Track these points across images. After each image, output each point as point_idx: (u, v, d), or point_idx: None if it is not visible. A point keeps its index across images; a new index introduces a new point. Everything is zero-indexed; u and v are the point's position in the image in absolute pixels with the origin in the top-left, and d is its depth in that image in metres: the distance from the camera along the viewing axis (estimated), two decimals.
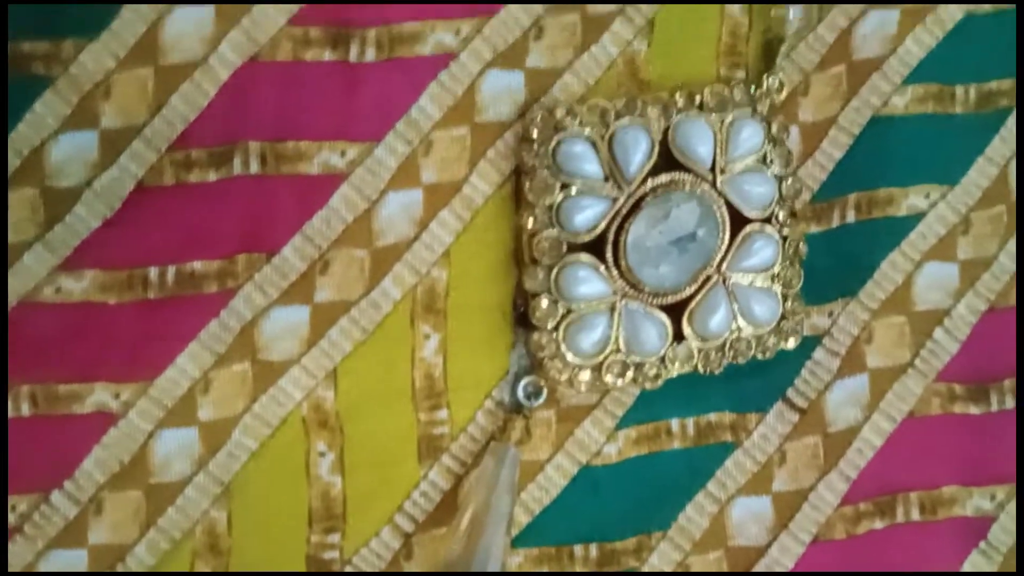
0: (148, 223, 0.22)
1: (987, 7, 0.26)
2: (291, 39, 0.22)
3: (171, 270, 0.22)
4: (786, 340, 0.24)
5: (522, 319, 0.23)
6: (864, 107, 0.25)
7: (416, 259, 0.23)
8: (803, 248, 0.24)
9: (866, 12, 0.25)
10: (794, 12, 0.24)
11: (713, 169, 0.23)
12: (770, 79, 0.24)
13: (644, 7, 0.24)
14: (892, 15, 0.25)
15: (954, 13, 0.26)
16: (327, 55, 0.22)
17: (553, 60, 0.24)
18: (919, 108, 0.25)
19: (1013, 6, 0.26)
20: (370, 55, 0.23)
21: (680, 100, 0.23)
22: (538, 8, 0.23)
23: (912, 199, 0.26)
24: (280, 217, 0.23)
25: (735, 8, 0.24)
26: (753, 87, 0.24)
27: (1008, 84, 0.26)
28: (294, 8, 0.22)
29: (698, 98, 0.24)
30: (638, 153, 0.23)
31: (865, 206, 0.25)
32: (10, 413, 0.21)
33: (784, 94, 0.25)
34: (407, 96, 0.23)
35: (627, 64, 0.24)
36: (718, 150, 0.23)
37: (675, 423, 0.25)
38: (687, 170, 0.23)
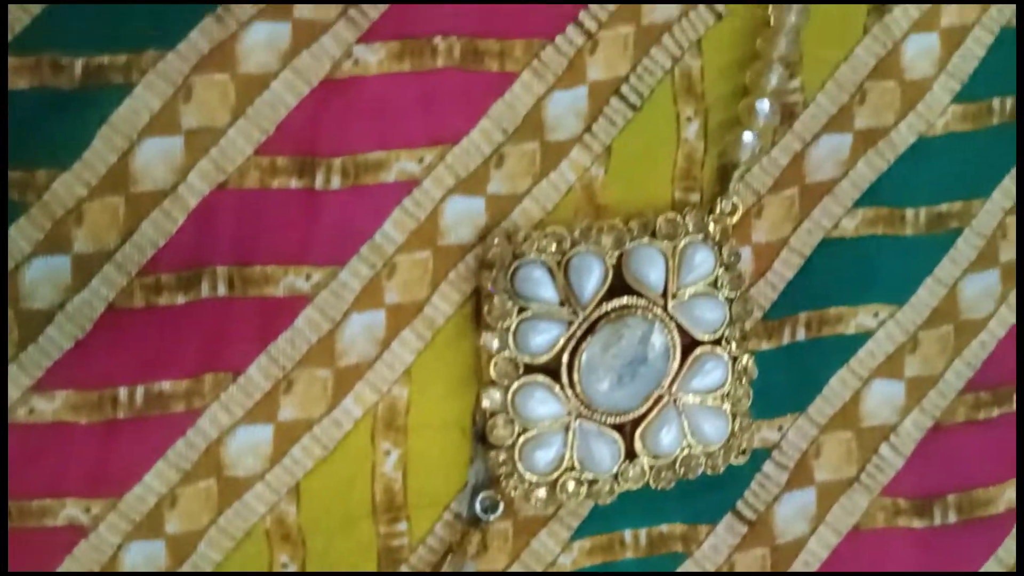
0: (118, 344, 0.24)
1: (939, 128, 0.27)
2: (258, 168, 0.24)
3: (140, 390, 0.24)
4: (735, 457, 0.26)
5: (481, 435, 0.25)
6: (816, 229, 0.27)
7: (377, 378, 0.25)
8: (752, 368, 0.26)
9: (819, 136, 0.27)
10: (750, 137, 0.26)
11: (665, 294, 0.25)
12: (724, 203, 0.26)
13: (601, 135, 0.25)
14: (845, 139, 0.27)
15: (906, 136, 0.27)
16: (293, 183, 0.24)
17: (513, 186, 0.25)
18: (869, 230, 0.27)
19: (964, 129, 0.27)
20: (335, 183, 0.24)
21: (634, 228, 0.25)
22: (499, 136, 0.25)
23: (861, 318, 0.27)
24: (246, 338, 0.24)
25: (691, 133, 0.26)
26: (707, 211, 0.26)
27: (959, 206, 0.28)
28: (261, 138, 0.24)
29: (651, 225, 0.25)
30: (592, 279, 0.25)
31: (815, 324, 0.27)
32: None
33: (737, 217, 0.26)
34: (371, 221, 0.25)
35: (585, 189, 0.26)
36: (670, 276, 0.25)
37: (628, 534, 0.26)
38: (640, 295, 0.25)
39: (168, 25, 0.24)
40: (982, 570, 0.29)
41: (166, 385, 0.24)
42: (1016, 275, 0.28)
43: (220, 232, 0.24)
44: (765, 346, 0.27)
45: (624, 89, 0.26)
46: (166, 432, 0.24)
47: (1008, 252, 0.28)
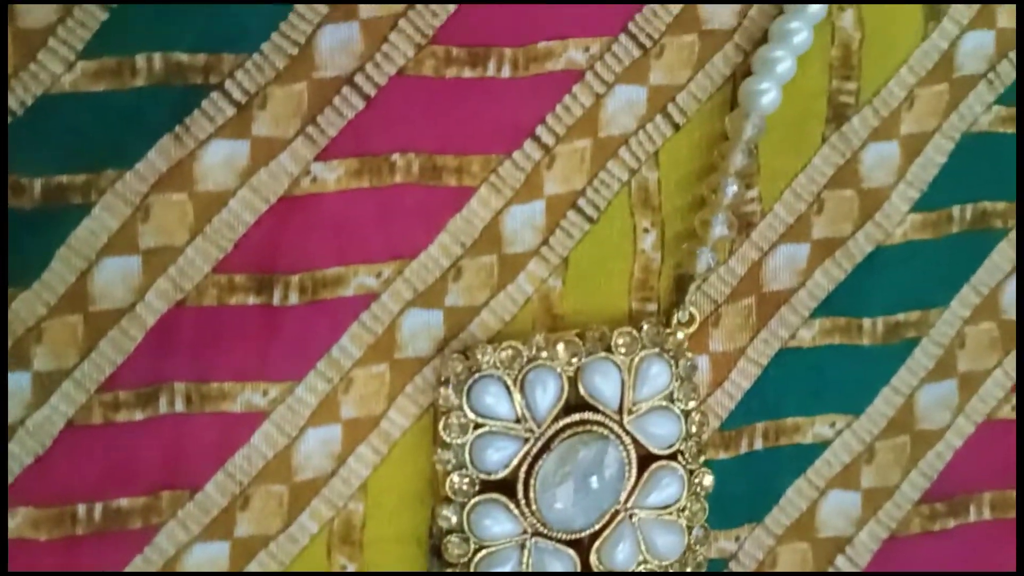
0: (77, 461, 0.25)
1: (897, 237, 0.29)
2: (216, 285, 0.25)
3: (98, 507, 0.25)
4: (692, 570, 0.27)
5: (436, 550, 0.27)
6: (773, 339, 0.29)
7: (333, 493, 0.26)
8: (708, 482, 0.27)
9: (777, 245, 0.28)
10: (705, 252, 0.27)
11: (620, 410, 0.27)
12: (680, 313, 0.28)
13: (558, 248, 0.27)
14: (803, 248, 0.29)
15: (864, 246, 0.29)
16: (251, 299, 0.26)
17: (471, 299, 0.27)
18: (826, 340, 0.29)
19: (923, 238, 0.29)
20: (293, 299, 0.26)
21: (589, 342, 0.26)
22: (457, 249, 0.26)
23: (818, 428, 0.29)
24: (203, 454, 0.26)
25: (647, 244, 0.28)
26: (663, 323, 0.27)
27: (916, 316, 0.29)
28: (219, 256, 0.25)
29: (607, 339, 0.27)
30: (547, 396, 0.26)
31: (773, 434, 0.29)
32: None
33: (694, 327, 0.28)
34: (329, 336, 0.26)
35: (542, 301, 0.27)
36: (625, 391, 0.27)
37: None
38: (596, 410, 0.26)
39: (126, 145, 0.25)
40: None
41: (124, 502, 0.25)
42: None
43: (178, 349, 0.26)
44: (722, 456, 0.29)
45: (581, 202, 0.27)
46: (124, 549, 0.25)
47: (966, 362, 0.30)
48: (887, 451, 0.30)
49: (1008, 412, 0.31)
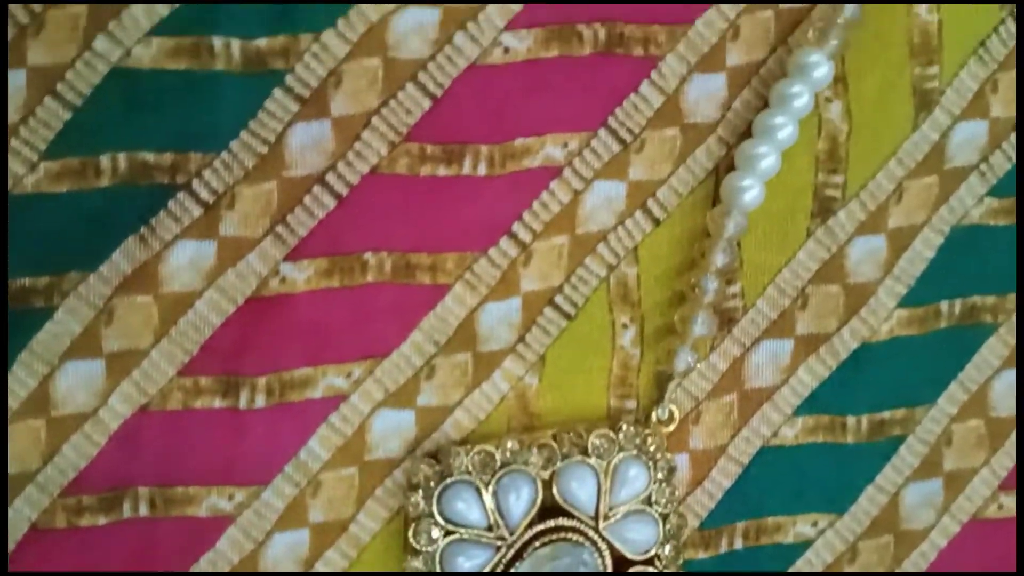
0: (41, 565, 0.25)
1: (883, 333, 0.28)
2: (181, 389, 0.25)
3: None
4: None
5: None
6: (754, 437, 0.28)
7: None
8: None
9: (759, 341, 0.28)
10: (685, 351, 0.26)
11: (597, 515, 0.26)
12: (660, 411, 0.27)
13: (535, 345, 0.26)
14: (786, 345, 0.28)
15: (849, 343, 0.28)
16: (217, 403, 0.25)
17: (444, 398, 0.26)
18: (809, 438, 0.28)
19: (910, 334, 0.28)
20: (260, 401, 0.25)
21: (565, 445, 0.26)
22: (430, 348, 0.26)
23: (800, 527, 0.28)
24: (168, 559, 0.25)
25: (626, 340, 0.27)
26: (642, 423, 0.27)
27: (902, 413, 0.29)
28: (185, 359, 0.25)
29: (583, 442, 0.26)
30: (521, 503, 0.26)
31: (753, 533, 0.28)
32: None
33: (674, 425, 0.27)
34: (296, 439, 0.26)
35: (518, 399, 0.27)
36: (602, 496, 0.26)
37: None
38: (571, 515, 0.26)
39: (90, 246, 0.25)
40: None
41: None
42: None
43: (142, 453, 0.25)
44: (701, 555, 0.28)
45: (558, 299, 0.27)
46: None
47: (952, 461, 0.29)
48: (871, 551, 0.29)
49: (995, 511, 0.30)
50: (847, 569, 0.29)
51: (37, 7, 0.24)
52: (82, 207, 0.24)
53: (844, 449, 0.29)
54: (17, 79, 0.24)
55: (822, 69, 0.27)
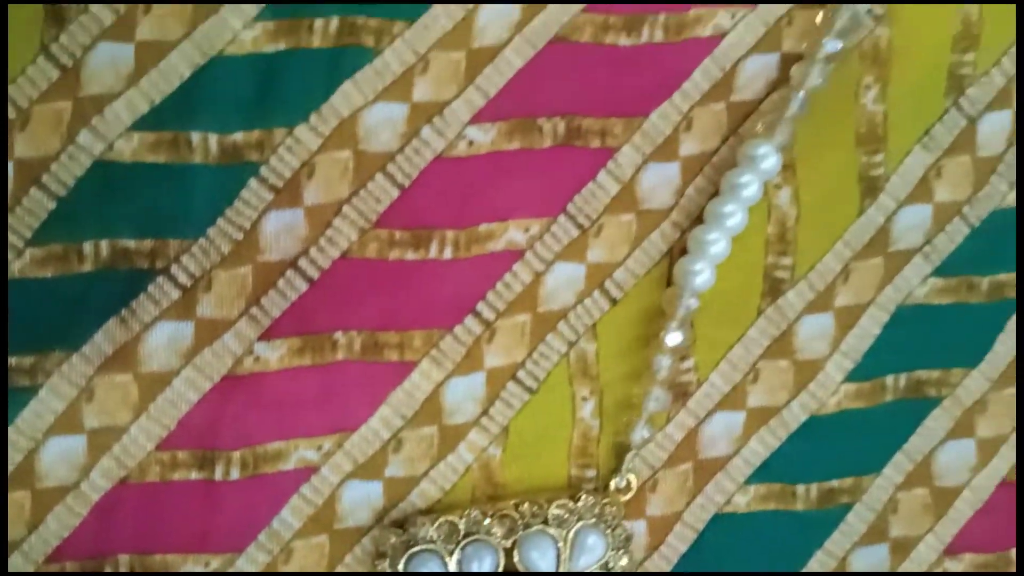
0: None
1: (831, 406, 0.29)
2: (159, 463, 0.26)
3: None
4: None
5: None
6: (708, 504, 0.29)
7: None
8: None
9: (713, 413, 0.29)
10: (642, 425, 0.28)
11: None
12: (618, 480, 0.28)
13: (499, 417, 0.27)
14: (739, 417, 0.29)
15: (798, 415, 0.30)
16: (193, 475, 0.26)
17: (411, 469, 0.28)
18: (760, 506, 0.29)
19: (857, 407, 0.29)
20: (235, 474, 0.26)
21: (526, 515, 0.27)
22: (398, 421, 0.27)
23: None
24: None
25: (586, 413, 0.28)
26: (601, 492, 0.28)
27: (849, 482, 0.30)
28: (162, 434, 0.26)
29: (544, 512, 0.27)
30: (483, 571, 0.27)
31: None
32: None
33: (632, 494, 0.28)
34: (269, 509, 0.27)
35: (482, 469, 0.28)
36: (561, 564, 0.27)
37: None
38: None
39: (73, 328, 0.26)
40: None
41: None
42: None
43: (122, 524, 0.26)
44: None
45: (521, 374, 0.28)
46: None
47: (898, 528, 0.30)
48: None
49: None
50: None
51: (23, 103, 0.25)
52: (66, 291, 0.26)
53: (794, 516, 0.30)
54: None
55: (770, 160, 0.28)
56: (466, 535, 0.27)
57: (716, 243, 0.28)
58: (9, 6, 0.25)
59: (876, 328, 0.30)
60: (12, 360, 0.26)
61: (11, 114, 0.25)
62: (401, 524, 0.28)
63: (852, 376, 0.30)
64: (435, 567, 0.27)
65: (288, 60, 0.26)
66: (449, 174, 0.27)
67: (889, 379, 0.30)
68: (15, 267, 0.26)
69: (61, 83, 0.25)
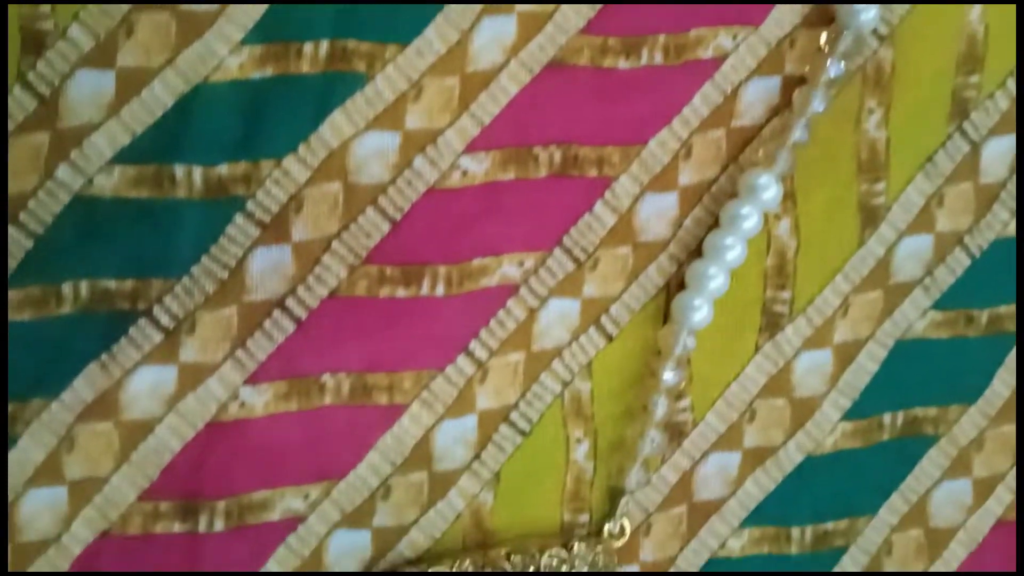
0: None
1: (827, 446, 0.35)
2: (141, 513, 0.30)
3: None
4: None
5: None
6: (702, 548, 0.34)
7: None
8: None
9: (708, 454, 0.34)
10: (636, 469, 0.33)
11: None
12: (611, 525, 0.33)
13: (490, 462, 0.32)
14: (734, 457, 0.34)
15: (794, 455, 0.35)
16: (176, 527, 0.31)
17: (400, 518, 0.32)
18: (755, 549, 0.35)
19: (853, 447, 0.35)
20: (218, 525, 0.31)
21: (517, 567, 0.32)
22: (387, 468, 0.32)
23: None
24: None
25: (580, 455, 0.33)
26: (594, 538, 0.33)
27: (845, 524, 0.35)
28: (145, 484, 0.30)
29: (536, 561, 0.32)
30: None
31: None
32: None
33: (625, 539, 0.33)
34: (254, 561, 0.31)
35: (473, 516, 0.33)
36: None
37: None
38: None
39: (52, 374, 0.30)
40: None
41: None
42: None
43: None
44: None
45: (514, 416, 0.33)
46: None
47: (892, 570, 0.36)
48: None
49: None
50: None
51: None
52: (44, 335, 0.29)
53: (788, 560, 0.35)
54: None
55: (771, 191, 0.33)
56: None
57: (715, 278, 0.33)
58: None
59: (874, 365, 0.36)
60: None
61: None
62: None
63: (849, 414, 0.35)
64: None
65: (276, 88, 0.30)
66: (442, 206, 0.32)
67: (886, 417, 0.36)
68: None
69: (39, 113, 0.29)
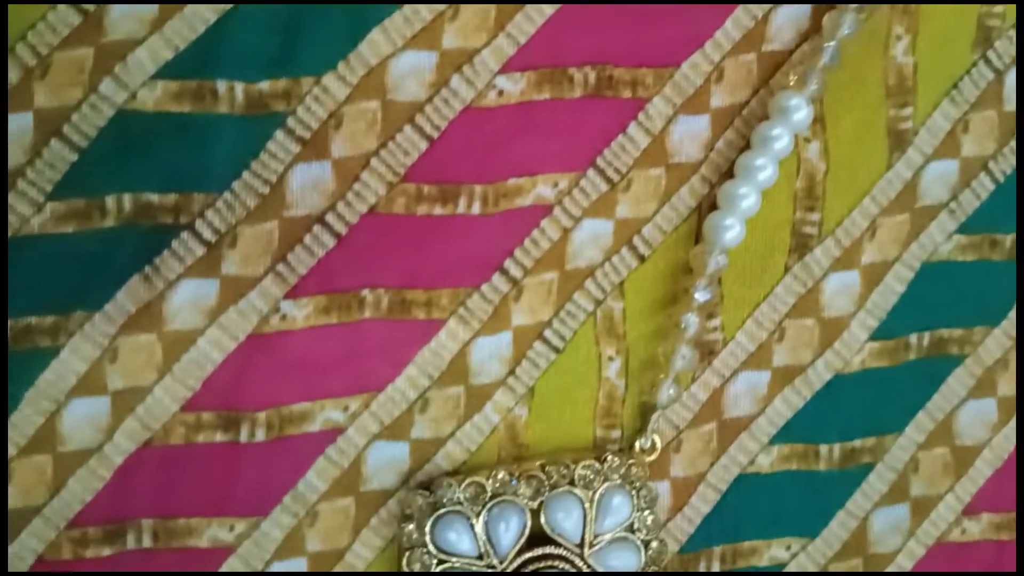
0: None
1: (855, 365, 0.35)
2: (184, 424, 0.31)
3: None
4: None
5: None
6: (732, 464, 0.35)
7: None
8: None
9: (738, 373, 0.35)
10: (668, 385, 0.33)
11: (582, 543, 0.33)
12: (643, 441, 0.34)
13: (525, 377, 0.33)
14: (763, 376, 0.35)
15: (822, 374, 0.35)
16: (218, 437, 0.31)
17: (437, 430, 0.33)
18: (784, 466, 0.35)
19: (880, 366, 0.35)
20: (260, 435, 0.31)
21: (553, 476, 0.33)
22: (424, 382, 0.32)
23: (774, 551, 0.35)
24: None
25: (612, 372, 0.34)
26: (626, 453, 0.33)
27: (872, 442, 0.36)
28: (187, 395, 0.31)
29: (570, 473, 0.33)
30: (510, 533, 0.32)
31: (730, 557, 0.35)
32: None
33: (656, 455, 0.34)
34: (294, 471, 0.32)
35: (508, 430, 0.33)
36: (587, 525, 0.33)
37: None
38: (557, 544, 0.32)
39: (95, 286, 0.30)
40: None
41: None
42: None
43: (145, 487, 0.31)
44: None
45: (547, 333, 0.33)
46: None
47: (919, 487, 0.36)
48: None
49: (959, 535, 0.37)
50: None
51: (44, 50, 0.30)
52: (87, 247, 0.30)
53: (817, 476, 0.36)
54: (24, 121, 0.29)
55: (802, 112, 0.34)
56: (493, 496, 0.33)
57: (746, 198, 0.34)
58: None
59: (901, 286, 0.36)
60: (32, 320, 0.30)
61: (31, 62, 0.29)
62: (427, 486, 0.33)
63: (876, 334, 0.36)
64: (462, 529, 0.32)
65: (316, 6, 0.31)
66: (478, 125, 0.32)
67: (912, 337, 0.36)
68: (35, 223, 0.30)
69: (83, 29, 0.29)
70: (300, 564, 0.32)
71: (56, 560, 0.30)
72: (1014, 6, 0.35)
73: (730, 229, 0.33)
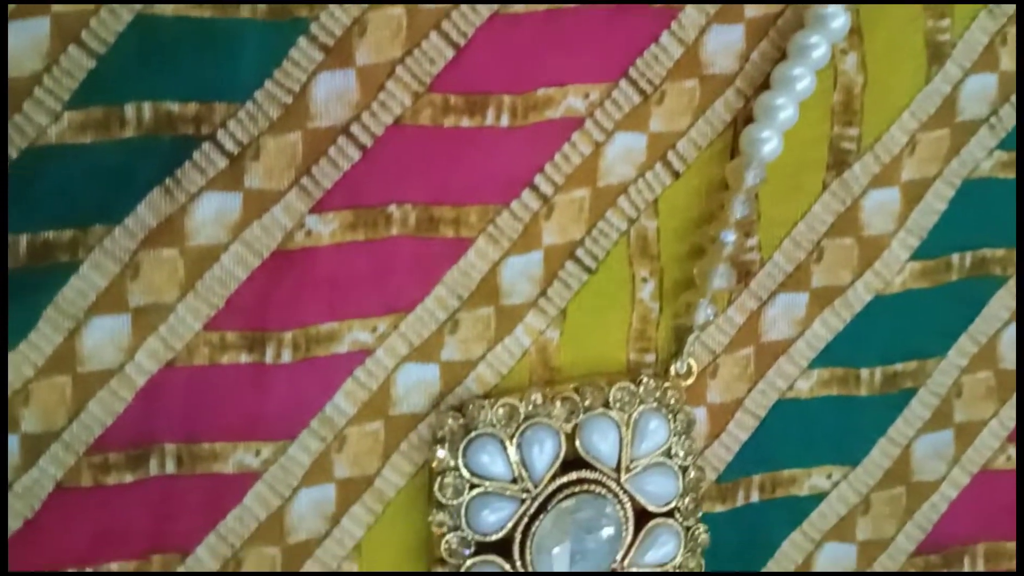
0: (67, 524, 0.29)
1: (896, 286, 0.34)
2: (208, 344, 0.30)
3: (88, 571, 0.29)
4: None
5: None
6: (770, 390, 0.34)
7: (327, 554, 0.31)
8: (705, 539, 0.32)
9: (775, 295, 0.33)
10: (704, 304, 0.32)
11: (618, 468, 0.31)
12: (678, 364, 0.33)
13: (556, 299, 0.32)
14: (802, 298, 0.34)
15: (863, 295, 0.34)
16: (243, 358, 0.30)
17: (467, 352, 0.31)
18: (823, 391, 0.34)
19: (921, 286, 0.34)
20: (286, 356, 0.30)
21: (587, 397, 0.31)
22: (454, 302, 0.31)
23: (815, 479, 0.34)
24: (194, 516, 0.30)
25: (646, 294, 0.32)
26: (662, 376, 0.32)
27: (914, 366, 0.34)
28: (211, 313, 0.29)
29: (605, 394, 0.31)
30: (544, 455, 0.31)
31: (769, 486, 0.34)
32: None
33: (692, 379, 0.33)
34: (322, 394, 0.30)
35: (539, 353, 0.32)
36: (623, 449, 0.31)
37: None
38: (593, 468, 0.31)
39: (115, 199, 0.29)
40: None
41: (114, 566, 0.29)
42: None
43: (168, 410, 0.30)
44: (719, 508, 0.34)
45: (579, 252, 0.32)
46: None
47: (962, 412, 0.35)
48: (883, 503, 0.35)
49: (1004, 462, 0.36)
50: (860, 520, 0.35)
51: None
52: (106, 159, 0.29)
53: (857, 401, 0.35)
54: (40, 27, 0.28)
55: (839, 20, 0.32)
56: (526, 418, 0.31)
57: (784, 109, 0.32)
58: None
59: (941, 204, 0.35)
60: (50, 234, 0.29)
61: None
62: (459, 408, 0.31)
63: (917, 254, 0.35)
64: (495, 451, 0.31)
65: None
66: (505, 33, 0.31)
67: (954, 257, 0.35)
68: (52, 133, 0.28)
69: None
70: (328, 491, 0.31)
71: (76, 487, 0.29)
72: None
73: (768, 142, 0.32)
